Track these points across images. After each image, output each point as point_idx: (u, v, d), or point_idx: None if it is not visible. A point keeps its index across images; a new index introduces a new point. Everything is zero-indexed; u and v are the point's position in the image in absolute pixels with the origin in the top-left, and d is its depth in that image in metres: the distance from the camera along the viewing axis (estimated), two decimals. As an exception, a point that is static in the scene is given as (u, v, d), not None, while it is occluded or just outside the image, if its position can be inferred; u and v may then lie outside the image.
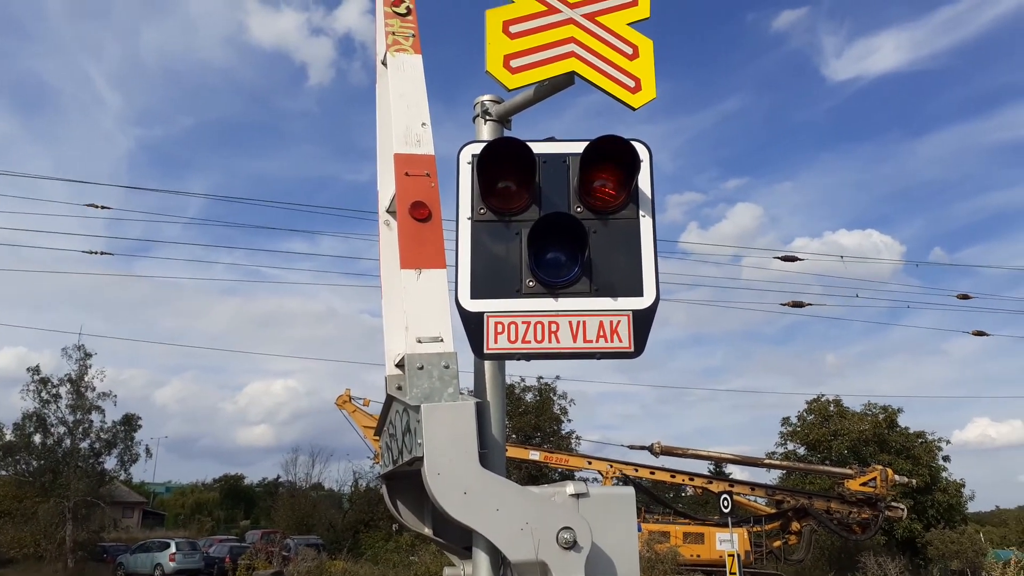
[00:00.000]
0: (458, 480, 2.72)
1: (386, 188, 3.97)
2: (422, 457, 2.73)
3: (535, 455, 34.44)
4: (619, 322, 2.97)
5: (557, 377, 45.87)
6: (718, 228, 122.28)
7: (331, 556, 30.52)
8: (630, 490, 3.05)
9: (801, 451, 45.04)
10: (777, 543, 32.22)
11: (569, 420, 46.36)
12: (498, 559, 3.02)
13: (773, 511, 33.45)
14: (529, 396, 45.88)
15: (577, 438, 45.12)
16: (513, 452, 32.36)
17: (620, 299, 2.99)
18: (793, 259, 27.97)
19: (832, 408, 45.43)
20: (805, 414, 46.18)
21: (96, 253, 26.67)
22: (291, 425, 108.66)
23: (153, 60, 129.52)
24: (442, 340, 3.05)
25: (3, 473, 39.93)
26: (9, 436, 38.81)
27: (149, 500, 67.97)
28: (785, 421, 46.76)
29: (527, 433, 43.41)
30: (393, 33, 3.96)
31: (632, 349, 2.96)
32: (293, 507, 47.65)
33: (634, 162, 3.02)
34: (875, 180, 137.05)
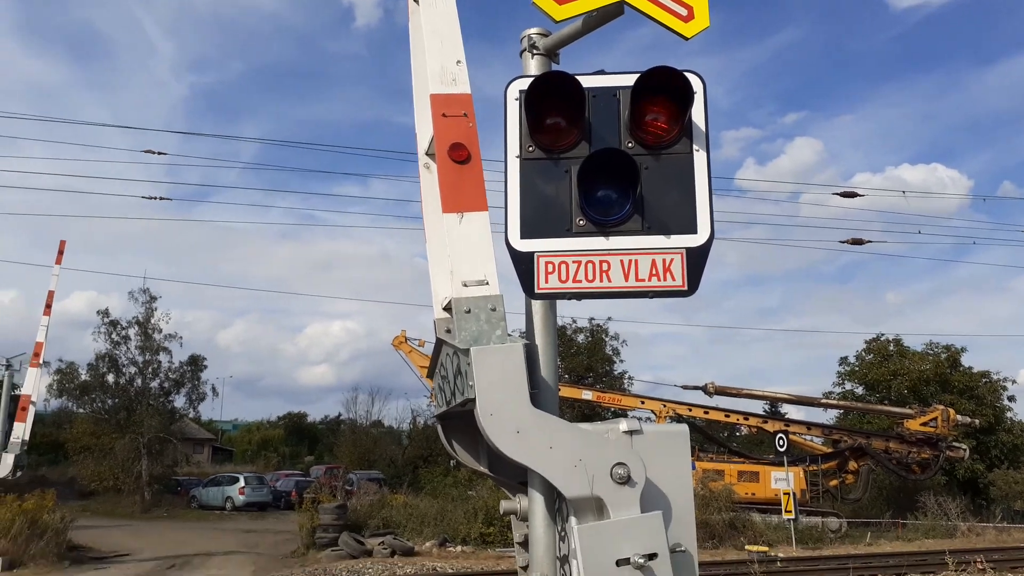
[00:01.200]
0: (510, 420, 2.73)
1: (424, 130, 3.83)
2: (475, 399, 2.75)
3: (588, 395, 34.71)
4: (672, 260, 2.91)
5: (609, 318, 45.87)
6: (776, 164, 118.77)
7: (392, 490, 31.55)
8: (684, 427, 3.04)
9: (859, 391, 44.38)
10: (834, 482, 32.09)
11: (621, 361, 46.50)
12: (553, 495, 3.05)
13: (830, 450, 33.24)
14: (581, 337, 46.01)
15: (630, 379, 45.32)
16: (566, 392, 32.67)
17: (673, 237, 2.92)
18: (853, 195, 27.03)
19: (892, 348, 44.48)
20: (864, 354, 45.33)
21: (156, 199, 27.35)
22: (351, 365, 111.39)
23: (203, 5, 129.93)
24: (487, 283, 3.03)
25: (81, 411, 42.12)
26: (84, 376, 40.79)
27: (218, 437, 70.90)
28: (843, 361, 46.02)
29: (579, 374, 43.68)
30: None
31: (686, 287, 2.91)
32: (355, 443, 49.23)
33: (687, 95, 2.91)
34: (941, 111, 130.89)
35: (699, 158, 3.00)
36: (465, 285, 3.00)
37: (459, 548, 21.58)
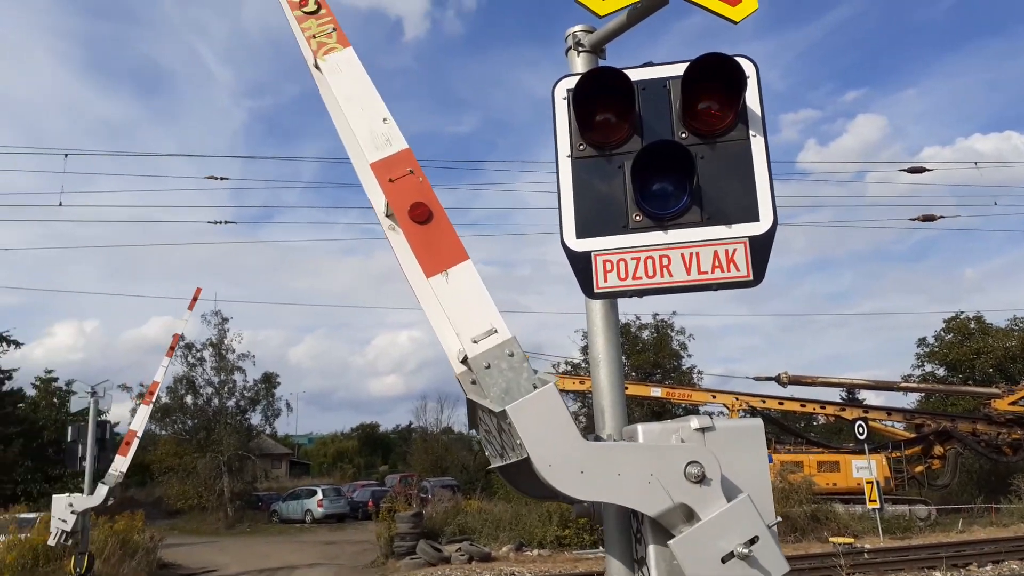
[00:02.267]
0: (570, 464, 2.64)
1: (375, 195, 3.67)
2: (528, 456, 2.69)
3: (656, 392, 34.30)
4: (735, 250, 2.83)
5: (674, 313, 45.30)
6: (839, 143, 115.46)
7: (466, 496, 31.75)
8: (758, 421, 2.95)
9: (940, 372, 42.78)
10: (919, 468, 30.97)
11: (689, 355, 45.84)
12: (627, 513, 3.00)
13: (913, 436, 32.08)
14: (646, 333, 45.56)
15: (699, 373, 44.64)
16: (634, 390, 32.34)
17: (735, 226, 2.84)
18: (921, 170, 25.99)
19: (973, 325, 42.76)
20: (943, 333, 43.72)
21: (222, 223, 28.10)
22: (418, 374, 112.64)
23: (257, 32, 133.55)
24: (495, 330, 2.93)
25: (164, 433, 43.64)
26: (165, 399, 42.25)
27: (294, 451, 72.58)
28: (921, 342, 44.48)
29: (646, 371, 43.24)
30: (314, 36, 3.60)
31: (751, 277, 2.82)
32: (426, 451, 49.78)
33: (740, 79, 2.83)
34: (1009, 78, 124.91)
35: (756, 143, 2.91)
36: (475, 341, 2.90)
37: (535, 552, 21.56)
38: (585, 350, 44.56)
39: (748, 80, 2.87)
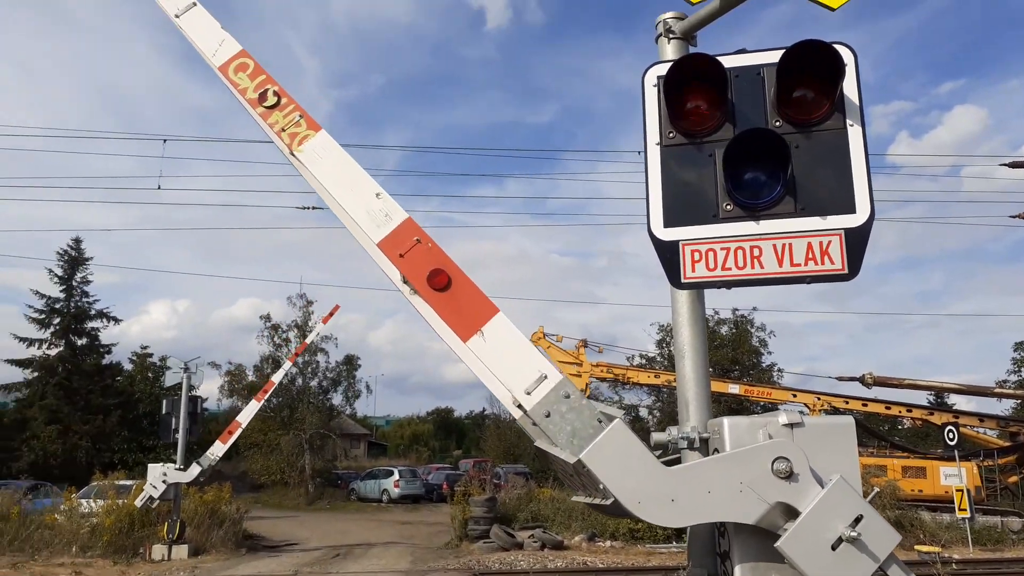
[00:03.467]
0: (660, 496, 2.61)
1: (388, 268, 3.51)
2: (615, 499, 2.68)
3: (734, 388, 33.61)
4: (830, 242, 2.76)
5: (754, 308, 44.20)
6: (933, 136, 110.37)
7: (538, 484, 31.91)
8: (850, 419, 2.87)
9: (1041, 378, 40.47)
10: (1013, 478, 29.45)
11: (769, 352, 44.64)
12: (711, 532, 2.99)
13: (1007, 444, 30.50)
14: (724, 329, 44.63)
15: (779, 371, 43.49)
16: (711, 386, 31.78)
17: (830, 217, 2.77)
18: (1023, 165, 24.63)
19: (1080, 330, 40.22)
20: (1045, 337, 41.28)
21: (309, 208, 28.90)
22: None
23: (344, 24, 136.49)
24: (545, 376, 2.92)
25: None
26: (251, 377, 43.90)
27: (372, 432, 74.33)
28: (1019, 346, 42.13)
29: (724, 367, 42.40)
30: (283, 129, 3.51)
31: (846, 271, 2.75)
32: (499, 438, 50.16)
33: (838, 67, 2.75)
34: None
35: (854, 133, 2.83)
36: (528, 393, 2.90)
37: (608, 543, 21.50)
38: (661, 343, 44.00)
39: (846, 68, 2.80)
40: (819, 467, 2.64)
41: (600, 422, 2.85)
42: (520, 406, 2.96)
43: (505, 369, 2.96)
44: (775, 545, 2.50)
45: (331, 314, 24.05)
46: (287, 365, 23.96)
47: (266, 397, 21.64)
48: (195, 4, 3.83)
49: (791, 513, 2.54)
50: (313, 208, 27.99)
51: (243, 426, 20.39)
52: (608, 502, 2.70)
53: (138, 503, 19.33)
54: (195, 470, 19.15)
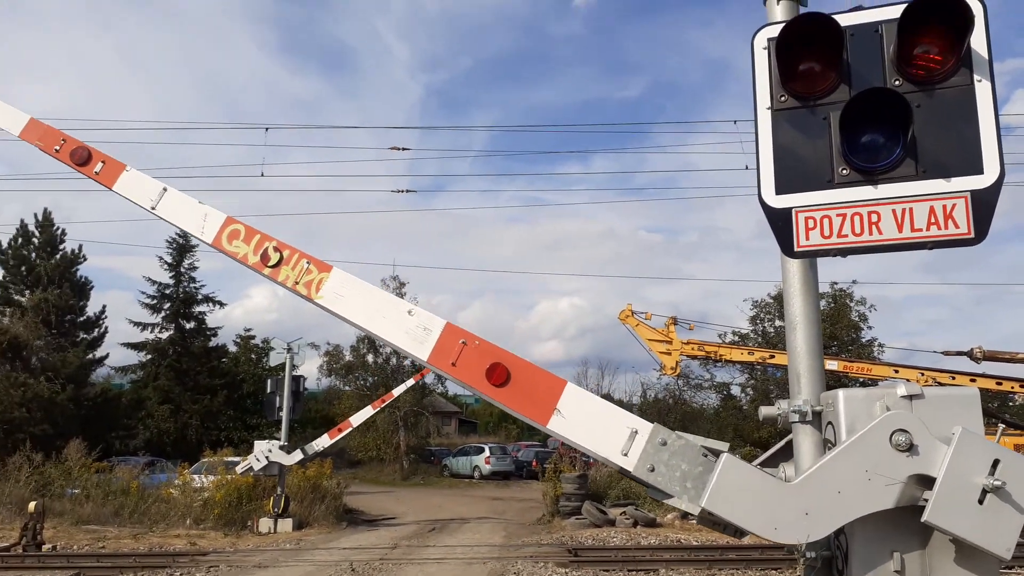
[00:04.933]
0: (793, 515, 2.55)
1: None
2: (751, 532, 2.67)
3: (833, 365, 32.39)
4: (955, 205, 2.62)
5: (853, 281, 42.57)
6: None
7: (629, 463, 31.79)
8: (974, 389, 2.75)
9: None
10: None
11: (869, 327, 42.90)
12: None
13: None
14: (823, 303, 43.17)
15: (880, 346, 41.78)
16: (809, 361, 30.74)
17: (954, 179, 2.63)
18: None
19: None
20: None
21: (402, 192, 29.51)
22: (579, 340, 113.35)
23: (433, 7, 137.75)
24: (635, 430, 2.87)
25: (347, 388, 46.92)
26: (349, 357, 45.32)
27: (462, 410, 75.61)
28: None
29: (822, 343, 41.05)
30: (296, 283, 3.44)
31: (972, 235, 2.61)
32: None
33: (966, 20, 2.60)
34: None
35: (982, 89, 2.67)
36: (625, 454, 2.86)
37: (702, 521, 21.29)
38: (754, 320, 42.94)
39: (975, 20, 2.64)
40: (942, 438, 2.54)
41: (706, 456, 2.81)
42: (623, 469, 2.93)
43: (594, 439, 2.93)
44: (923, 519, 2.42)
45: (421, 375, 25.63)
46: (411, 381, 25.43)
47: (383, 406, 22.55)
48: (166, 189, 3.78)
49: (926, 482, 2.46)
50: (407, 191, 28.55)
51: (354, 427, 21.24)
52: (743, 537, 2.75)
53: (239, 470, 20.33)
54: (297, 455, 19.96)
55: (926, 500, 2.43)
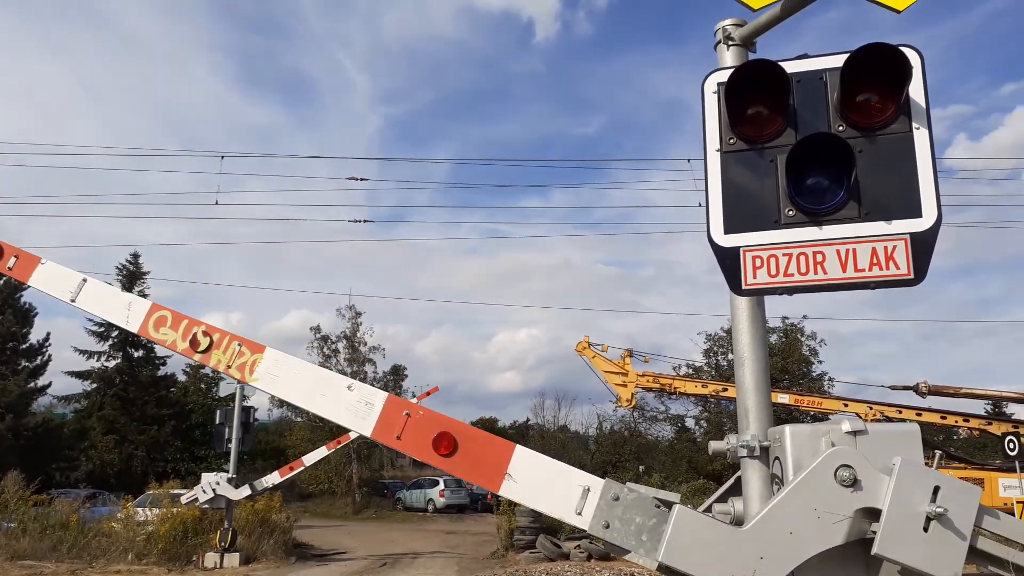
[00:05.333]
0: (748, 562, 2.58)
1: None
2: None
3: (784, 398, 32.90)
4: (895, 247, 2.73)
5: (804, 316, 43.44)
6: (993, 138, 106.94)
7: (584, 496, 31.73)
8: (915, 426, 2.83)
9: (1108, 388, 38.97)
10: (1079, 491, 28.40)
11: (820, 361, 43.79)
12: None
13: (1072, 455, 29.42)
14: (774, 337, 43.92)
15: (829, 380, 42.63)
16: (761, 394, 31.16)
17: (895, 222, 2.74)
18: (1091, 166, 23.79)
19: None
20: (1112, 345, 39.75)
21: (360, 221, 29.38)
22: (537, 371, 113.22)
23: (394, 41, 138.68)
24: (588, 487, 2.90)
25: (299, 419, 46.09)
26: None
27: (417, 443, 74.76)
28: (1085, 354, 40.59)
29: (774, 376, 41.63)
30: (228, 366, 3.43)
31: (912, 276, 2.71)
32: (544, 448, 50.10)
33: (904, 70, 2.72)
34: None
35: (920, 136, 2.80)
36: (579, 513, 2.89)
37: (656, 554, 21.29)
38: (708, 353, 43.50)
39: (913, 71, 2.76)
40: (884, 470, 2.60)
41: (659, 507, 2.84)
42: (578, 528, 2.97)
43: (547, 500, 2.94)
44: (873, 553, 2.46)
45: (427, 394, 25.27)
46: (323, 451, 24.75)
47: (337, 447, 22.08)
48: (86, 280, 3.73)
49: (873, 514, 2.51)
50: (363, 221, 28.44)
51: (306, 466, 20.78)
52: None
53: (184, 500, 19.77)
54: (245, 491, 19.48)
55: (874, 532, 2.48)
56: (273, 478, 19.92)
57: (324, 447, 21.61)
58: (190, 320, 3.56)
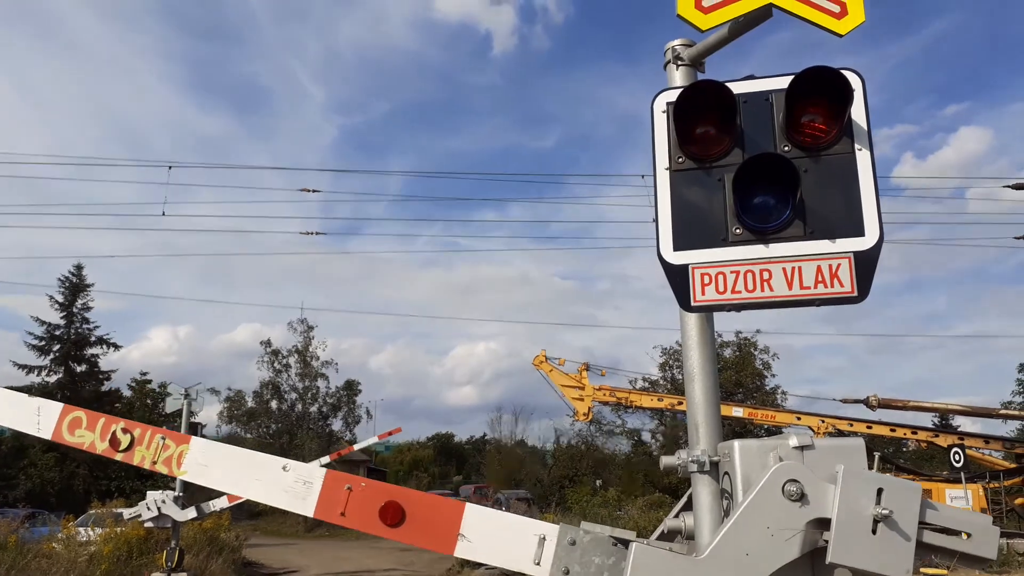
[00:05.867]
0: None
1: None
2: None
3: (738, 412, 33.50)
4: (839, 265, 2.78)
5: (757, 331, 44.25)
6: (938, 157, 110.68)
7: (541, 510, 31.67)
8: (860, 441, 2.87)
9: (1044, 400, 40.36)
10: (1020, 500, 29.27)
11: (773, 375, 44.67)
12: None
13: (1013, 465, 30.36)
14: (728, 352, 44.58)
15: (783, 393, 43.43)
16: (714, 408, 31.58)
17: (839, 241, 2.79)
18: (1027, 186, 24.77)
19: (1082, 351, 40.20)
20: (1048, 359, 41.21)
21: (312, 234, 29.12)
22: (494, 385, 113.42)
23: (349, 52, 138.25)
24: (544, 535, 2.90)
25: (248, 436, 45.24)
26: (251, 403, 43.78)
27: (371, 458, 73.98)
28: (1023, 368, 42.03)
29: (728, 389, 42.29)
30: (154, 462, 3.33)
31: (855, 293, 2.76)
32: (501, 463, 50.04)
33: (846, 93, 2.79)
34: None
35: (862, 157, 2.86)
36: (538, 563, 2.89)
37: (611, 569, 21.33)
38: (664, 367, 43.96)
39: (855, 94, 2.83)
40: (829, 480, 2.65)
41: (615, 544, 2.84)
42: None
43: (504, 555, 2.91)
44: (828, 562, 2.49)
45: (388, 433, 25.00)
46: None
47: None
48: None
49: (824, 524, 2.54)
50: (316, 233, 28.16)
51: (250, 500, 20.35)
52: None
53: (126, 515, 19.22)
54: (192, 512, 19.02)
55: (826, 541, 2.51)
56: (221, 502, 19.48)
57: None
58: (107, 418, 3.41)
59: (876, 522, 2.48)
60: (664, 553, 2.68)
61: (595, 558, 2.86)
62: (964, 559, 2.70)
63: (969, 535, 2.62)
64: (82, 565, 19.84)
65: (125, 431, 3.34)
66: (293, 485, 3.10)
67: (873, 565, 2.47)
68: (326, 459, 20.48)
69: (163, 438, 3.31)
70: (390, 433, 24.72)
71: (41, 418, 3.45)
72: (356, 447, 22.75)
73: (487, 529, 2.97)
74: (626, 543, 2.79)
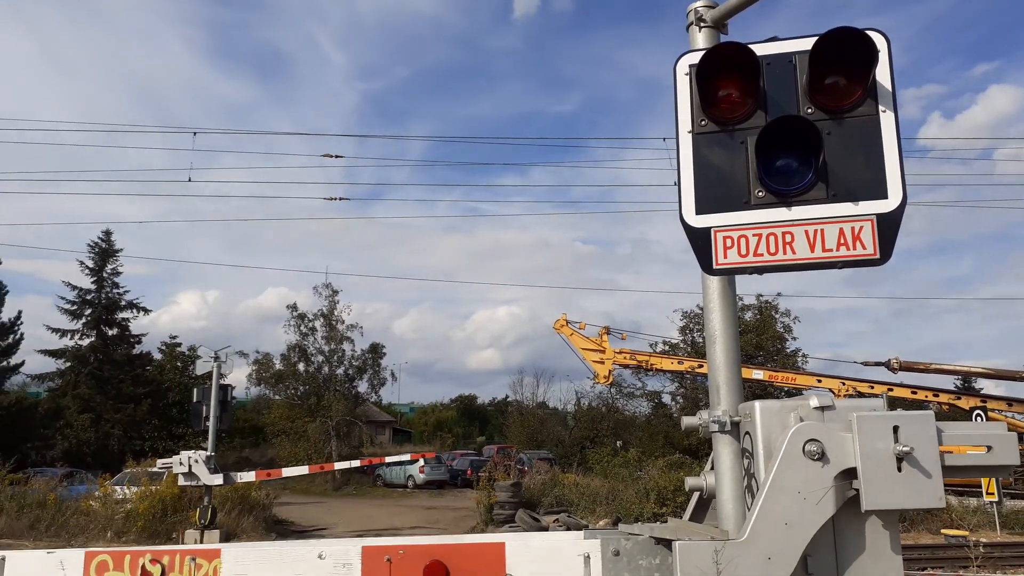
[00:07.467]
0: (757, 566, 2.60)
1: None
2: None
3: (758, 374, 33.45)
4: (862, 228, 2.79)
5: (778, 294, 43.88)
6: (967, 116, 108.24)
7: (562, 470, 32.03)
8: (879, 400, 2.91)
9: (1073, 362, 39.81)
10: (1044, 463, 29.12)
11: (794, 338, 44.33)
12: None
13: (1038, 428, 30.17)
14: (748, 315, 44.35)
15: (803, 356, 43.21)
16: (737, 370, 31.55)
17: (862, 203, 2.80)
18: (1061, 144, 24.13)
19: (1113, 312, 39.52)
20: (1078, 320, 40.54)
21: (336, 199, 29.19)
22: (516, 348, 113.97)
23: (371, 16, 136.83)
24: (588, 554, 2.95)
25: (277, 398, 45.96)
26: (279, 365, 44.41)
27: (397, 419, 74.97)
28: (1052, 329, 41.38)
29: (748, 352, 42.11)
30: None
31: (878, 256, 2.78)
32: (523, 424, 50.47)
33: (871, 54, 2.78)
34: None
35: (886, 119, 2.86)
36: None
37: (633, 528, 21.59)
38: (684, 330, 43.86)
39: (879, 55, 2.82)
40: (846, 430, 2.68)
41: (658, 543, 2.89)
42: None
43: None
44: (864, 510, 2.55)
45: (421, 456, 25.73)
46: (304, 469, 25.26)
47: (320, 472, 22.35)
48: (4, 558, 3.51)
49: (851, 473, 2.59)
50: (341, 199, 28.25)
51: (283, 476, 20.93)
52: None
53: (159, 463, 19.86)
54: (220, 478, 19.49)
55: (856, 489, 2.57)
56: (248, 476, 20.01)
57: (306, 467, 21.84)
58: (132, 553, 3.37)
59: (899, 460, 2.52)
60: (706, 545, 2.70)
61: (641, 560, 2.93)
62: (988, 471, 2.70)
63: (989, 448, 2.63)
64: (119, 522, 20.48)
65: (154, 561, 3.31)
66: (333, 570, 3.13)
67: (907, 502, 2.53)
68: (355, 463, 20.85)
69: (193, 559, 3.29)
70: (422, 456, 25.19)
71: (66, 570, 3.39)
72: (387, 461, 23.45)
73: (531, 558, 3.02)
74: (668, 543, 2.82)
